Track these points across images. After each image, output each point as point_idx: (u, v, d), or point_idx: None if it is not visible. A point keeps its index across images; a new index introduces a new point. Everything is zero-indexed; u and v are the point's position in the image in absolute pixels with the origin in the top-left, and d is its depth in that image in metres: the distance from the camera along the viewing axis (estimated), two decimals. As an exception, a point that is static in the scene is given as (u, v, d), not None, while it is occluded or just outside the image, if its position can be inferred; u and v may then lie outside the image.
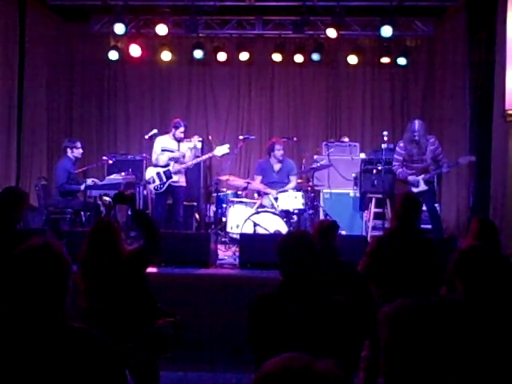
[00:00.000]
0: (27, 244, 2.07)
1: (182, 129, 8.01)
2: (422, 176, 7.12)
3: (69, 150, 8.19)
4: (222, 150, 8.07)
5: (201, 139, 9.87)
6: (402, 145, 7.38)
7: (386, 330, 1.78)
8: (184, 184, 8.11)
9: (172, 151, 8.00)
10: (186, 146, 8.14)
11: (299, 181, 8.70)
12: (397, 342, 1.74)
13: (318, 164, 8.70)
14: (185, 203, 8.45)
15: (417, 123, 7.25)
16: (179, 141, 8.07)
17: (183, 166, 8.00)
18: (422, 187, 7.12)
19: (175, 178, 7.96)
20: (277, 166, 8.44)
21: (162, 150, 8.01)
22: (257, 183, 8.39)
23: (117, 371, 1.97)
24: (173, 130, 8.07)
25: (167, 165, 7.97)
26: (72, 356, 1.90)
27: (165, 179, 7.91)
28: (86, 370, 1.89)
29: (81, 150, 8.28)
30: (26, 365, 1.88)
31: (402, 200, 4.59)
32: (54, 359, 1.89)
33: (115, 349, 1.99)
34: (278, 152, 8.38)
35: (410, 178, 7.21)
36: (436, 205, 8.88)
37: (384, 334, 1.79)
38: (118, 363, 1.98)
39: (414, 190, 7.06)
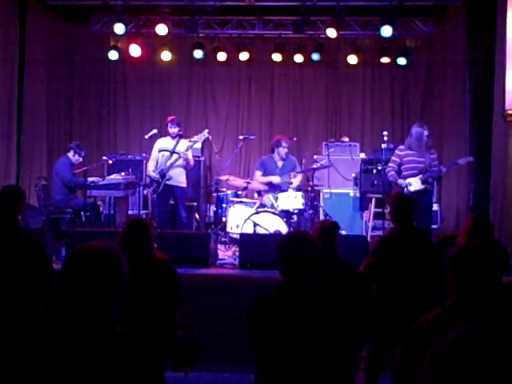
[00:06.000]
0: (88, 244, 2.05)
1: (169, 124, 8.03)
2: (420, 176, 7.10)
3: (72, 152, 8.18)
4: (201, 136, 8.07)
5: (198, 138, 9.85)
6: (402, 147, 7.34)
7: None
8: (184, 185, 8.06)
9: (167, 150, 7.99)
10: (185, 145, 8.02)
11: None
12: None
13: (318, 164, 8.70)
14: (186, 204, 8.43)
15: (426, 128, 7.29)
16: (174, 137, 8.04)
17: (181, 159, 7.89)
18: (419, 186, 7.09)
19: (172, 173, 7.87)
20: (280, 163, 8.42)
21: (160, 151, 8.03)
22: (256, 180, 8.38)
23: (159, 377, 1.98)
24: (167, 128, 8.14)
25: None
26: (117, 360, 1.90)
27: (159, 179, 7.87)
28: (129, 374, 1.89)
29: (81, 160, 8.28)
30: (70, 366, 1.87)
31: (393, 202, 4.60)
32: (99, 362, 1.88)
33: (158, 355, 2.00)
34: (283, 150, 8.33)
35: (400, 181, 7.20)
36: (435, 204, 8.90)
37: None
38: (161, 369, 1.98)
39: (411, 189, 7.04)
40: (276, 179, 8.27)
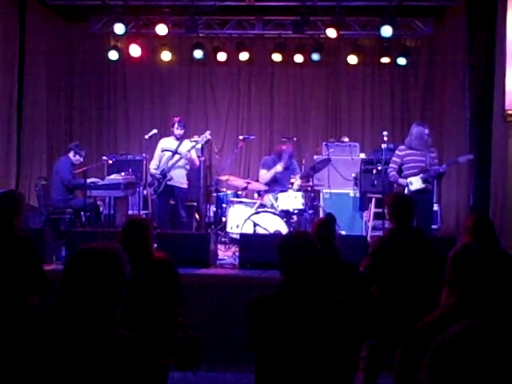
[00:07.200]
0: (90, 245, 2.03)
1: (176, 125, 7.97)
2: (421, 175, 7.09)
3: (72, 153, 8.22)
4: (203, 138, 8.04)
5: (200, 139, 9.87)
6: (402, 147, 7.33)
7: None
8: (185, 186, 8.04)
9: (170, 150, 7.97)
10: (187, 145, 8.00)
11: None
12: None
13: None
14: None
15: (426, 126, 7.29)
16: (179, 138, 8.02)
17: (182, 159, 7.87)
18: (420, 185, 7.08)
19: (173, 174, 7.85)
20: (281, 164, 8.44)
21: (162, 151, 8.01)
22: (262, 178, 8.39)
23: (159, 381, 1.97)
24: (172, 129, 8.10)
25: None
26: (117, 363, 1.88)
27: (160, 178, 7.85)
28: (129, 378, 1.88)
29: (81, 160, 8.29)
30: (69, 368, 1.86)
31: (392, 202, 4.59)
32: (98, 364, 1.87)
33: (160, 359, 1.99)
34: (283, 161, 8.37)
35: (400, 180, 7.19)
36: (435, 204, 8.90)
37: None
38: (161, 374, 1.98)
39: (412, 188, 7.03)
40: (278, 168, 8.28)
